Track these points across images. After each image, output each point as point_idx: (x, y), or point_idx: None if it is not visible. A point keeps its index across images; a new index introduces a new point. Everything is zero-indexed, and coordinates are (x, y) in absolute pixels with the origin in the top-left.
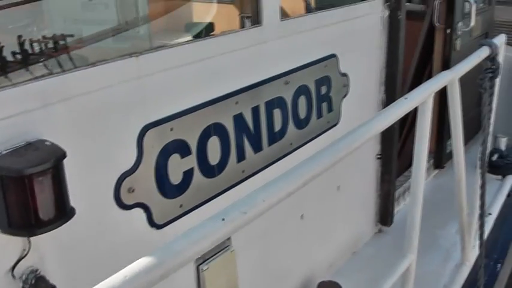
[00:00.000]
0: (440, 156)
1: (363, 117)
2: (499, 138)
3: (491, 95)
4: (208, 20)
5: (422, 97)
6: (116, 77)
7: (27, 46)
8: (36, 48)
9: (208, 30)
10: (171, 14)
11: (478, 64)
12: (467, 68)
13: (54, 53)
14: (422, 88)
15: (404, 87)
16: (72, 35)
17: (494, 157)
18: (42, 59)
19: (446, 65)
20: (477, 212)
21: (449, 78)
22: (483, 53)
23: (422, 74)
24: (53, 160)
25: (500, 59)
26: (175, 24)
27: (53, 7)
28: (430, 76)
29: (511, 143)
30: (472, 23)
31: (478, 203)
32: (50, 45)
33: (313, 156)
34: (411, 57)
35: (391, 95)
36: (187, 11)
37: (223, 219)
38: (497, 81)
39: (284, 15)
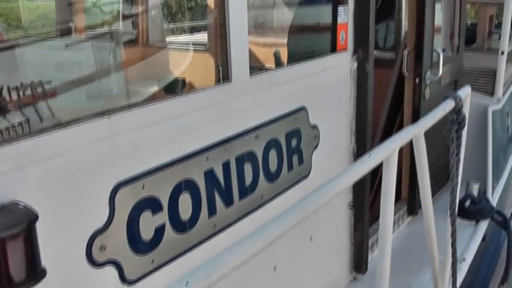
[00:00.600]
0: (413, 203)
1: (334, 167)
2: (471, 185)
3: (458, 145)
4: (184, 67)
5: (386, 153)
6: (88, 138)
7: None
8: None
9: (181, 86)
10: (148, 63)
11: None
12: (432, 121)
13: (31, 101)
14: (387, 144)
15: (376, 135)
16: (49, 82)
17: (467, 203)
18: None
19: (416, 114)
20: (449, 259)
21: (414, 133)
22: (448, 105)
23: (394, 122)
24: (25, 223)
25: (466, 110)
26: (153, 74)
27: (28, 66)
28: (401, 124)
29: (483, 189)
30: (440, 73)
31: (450, 250)
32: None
33: (276, 217)
34: (382, 104)
35: (361, 145)
36: (164, 59)
37: (187, 283)
38: (464, 132)
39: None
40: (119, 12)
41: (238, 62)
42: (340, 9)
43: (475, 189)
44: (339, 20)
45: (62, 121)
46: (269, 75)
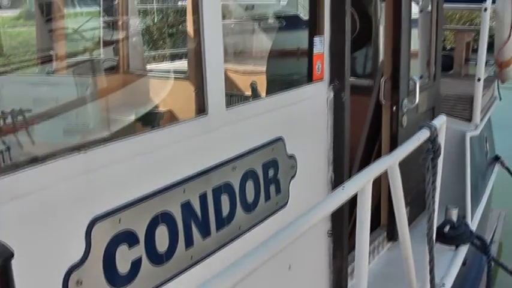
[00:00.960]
0: (392, 230)
1: (312, 197)
2: (450, 210)
3: (434, 174)
4: (164, 96)
5: (360, 184)
6: (64, 173)
7: None
8: None
9: (160, 116)
10: (128, 92)
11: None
12: (406, 151)
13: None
14: (361, 176)
15: (354, 163)
16: (30, 110)
17: (446, 228)
18: None
19: (394, 141)
20: (428, 286)
21: (389, 164)
22: (423, 135)
23: (372, 149)
24: (1, 261)
25: (441, 139)
26: (133, 103)
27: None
28: (379, 151)
29: (462, 214)
30: (417, 100)
31: (428, 277)
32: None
33: (251, 251)
34: (361, 131)
35: (339, 174)
36: (144, 88)
37: None
38: (440, 160)
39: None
40: (100, 39)
41: (214, 95)
42: (316, 39)
43: (454, 214)
44: (315, 50)
45: (39, 156)
46: (245, 107)
